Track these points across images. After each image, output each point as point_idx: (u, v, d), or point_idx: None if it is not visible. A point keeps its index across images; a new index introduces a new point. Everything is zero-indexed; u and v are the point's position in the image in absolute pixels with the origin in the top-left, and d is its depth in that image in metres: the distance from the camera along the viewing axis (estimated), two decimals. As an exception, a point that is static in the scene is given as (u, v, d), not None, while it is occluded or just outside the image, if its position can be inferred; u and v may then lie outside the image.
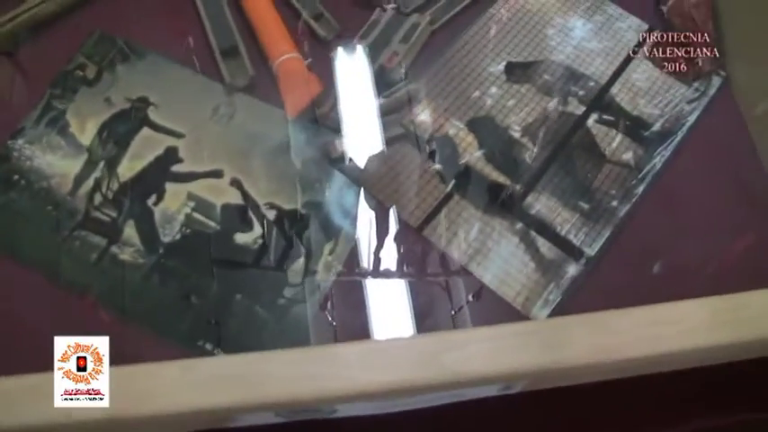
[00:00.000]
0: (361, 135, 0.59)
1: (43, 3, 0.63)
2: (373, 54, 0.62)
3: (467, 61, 0.64)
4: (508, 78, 0.63)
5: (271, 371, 0.38)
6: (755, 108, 0.62)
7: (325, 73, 0.62)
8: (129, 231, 0.57)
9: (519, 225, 0.57)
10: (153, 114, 0.61)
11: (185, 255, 0.56)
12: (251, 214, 0.57)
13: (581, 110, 0.62)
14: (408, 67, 0.62)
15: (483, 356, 0.38)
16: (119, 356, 0.42)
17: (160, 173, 0.59)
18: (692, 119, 0.63)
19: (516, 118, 0.62)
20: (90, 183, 0.58)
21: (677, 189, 0.60)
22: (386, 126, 0.59)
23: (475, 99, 0.62)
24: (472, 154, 0.60)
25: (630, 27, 0.67)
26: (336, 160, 0.59)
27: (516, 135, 0.61)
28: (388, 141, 0.59)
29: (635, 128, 0.62)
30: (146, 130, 0.60)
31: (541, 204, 0.58)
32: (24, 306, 0.53)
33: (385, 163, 0.59)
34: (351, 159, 0.58)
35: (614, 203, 0.59)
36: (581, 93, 0.63)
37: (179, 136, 0.60)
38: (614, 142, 0.61)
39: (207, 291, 0.55)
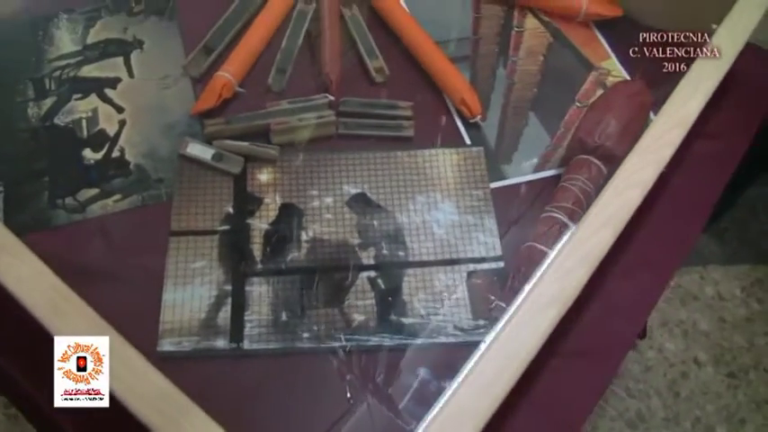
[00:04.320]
0: (202, 154, 0.74)
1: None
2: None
3: (337, 160, 0.75)
4: (348, 201, 0.73)
5: None
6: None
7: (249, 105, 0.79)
8: (49, 102, 0.79)
9: (227, 287, 0.67)
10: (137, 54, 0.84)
11: (53, 137, 0.77)
12: (107, 146, 0.76)
13: (355, 262, 0.69)
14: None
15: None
16: None
17: (97, 85, 0.81)
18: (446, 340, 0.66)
19: (317, 227, 0.71)
20: (60, 62, 0.82)
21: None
22: (230, 161, 0.74)
23: (311, 196, 0.73)
24: (255, 221, 0.71)
25: (486, 242, 0.71)
26: (181, 156, 0.74)
27: (304, 236, 0.70)
28: (217, 165, 0.73)
29: (388, 312, 0.67)
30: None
31: (259, 289, 0.67)
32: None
33: (198, 175, 0.74)
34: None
35: (309, 338, 0.65)
36: (383, 254, 0.70)
37: (131, 75, 0.82)
38: (363, 301, 0.67)
39: (43, 172, 0.75)
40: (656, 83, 0.77)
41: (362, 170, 0.75)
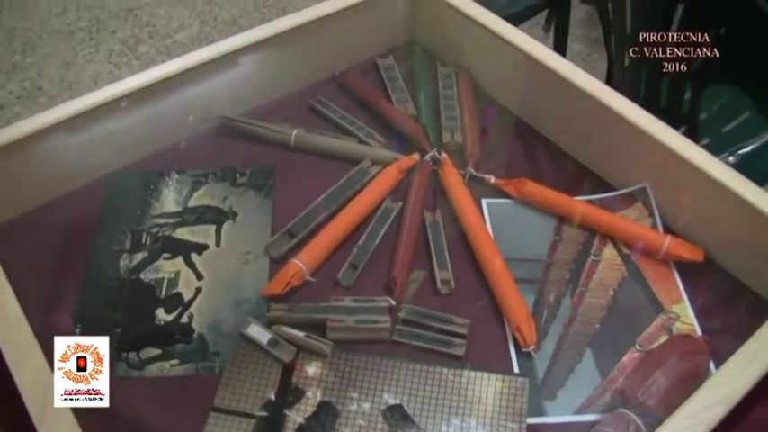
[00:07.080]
0: (260, 337, 0.80)
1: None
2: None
3: (384, 366, 0.80)
4: (384, 411, 0.76)
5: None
6: None
7: (311, 294, 0.85)
8: (140, 256, 0.89)
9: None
10: (228, 225, 0.93)
11: (134, 292, 0.86)
12: (179, 310, 0.84)
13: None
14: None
15: None
16: None
17: (186, 248, 0.90)
18: None
19: (351, 411, 0.75)
20: (160, 220, 0.93)
21: None
22: (283, 349, 0.80)
23: (350, 398, 0.77)
24: (292, 413, 0.76)
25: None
26: (242, 335, 0.81)
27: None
28: (271, 350, 0.79)
29: None
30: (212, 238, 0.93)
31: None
32: None
33: (251, 357, 0.80)
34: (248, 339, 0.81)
35: None
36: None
37: (218, 244, 0.91)
38: None
39: (117, 323, 0.84)
40: (728, 334, 0.77)
41: (406, 381, 0.79)
